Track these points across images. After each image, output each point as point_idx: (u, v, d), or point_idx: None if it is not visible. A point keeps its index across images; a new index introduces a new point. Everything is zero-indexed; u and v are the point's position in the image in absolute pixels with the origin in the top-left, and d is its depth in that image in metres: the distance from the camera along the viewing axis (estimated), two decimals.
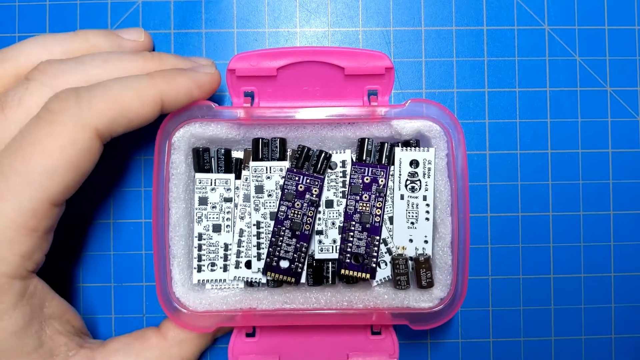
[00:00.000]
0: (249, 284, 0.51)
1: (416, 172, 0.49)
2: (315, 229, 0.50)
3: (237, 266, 0.51)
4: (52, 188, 0.42)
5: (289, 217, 0.49)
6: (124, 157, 0.54)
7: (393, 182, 0.50)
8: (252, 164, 0.50)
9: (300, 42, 0.56)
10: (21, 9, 0.55)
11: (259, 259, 0.50)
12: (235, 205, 0.51)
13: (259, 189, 0.50)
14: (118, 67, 0.46)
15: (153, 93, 0.44)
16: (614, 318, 0.55)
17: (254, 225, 0.50)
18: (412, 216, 0.50)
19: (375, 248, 0.49)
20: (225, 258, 0.51)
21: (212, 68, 0.48)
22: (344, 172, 0.50)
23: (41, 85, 0.44)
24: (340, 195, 0.50)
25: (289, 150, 0.51)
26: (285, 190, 0.49)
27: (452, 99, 0.55)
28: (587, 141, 0.55)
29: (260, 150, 0.50)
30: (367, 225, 0.49)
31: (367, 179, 0.49)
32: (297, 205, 0.49)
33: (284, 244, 0.49)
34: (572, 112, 0.55)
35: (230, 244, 0.51)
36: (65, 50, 0.48)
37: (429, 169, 0.49)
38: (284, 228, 0.49)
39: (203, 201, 0.50)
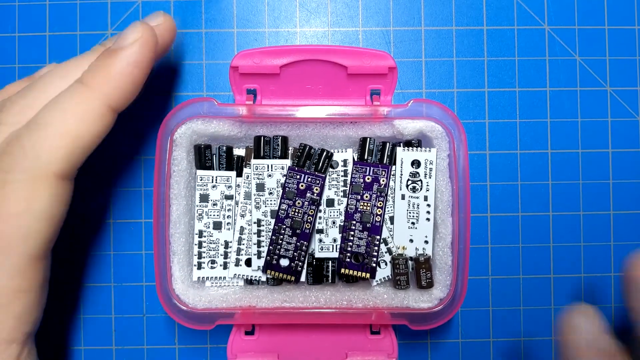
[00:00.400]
0: (249, 281, 0.51)
1: (417, 172, 0.49)
2: (316, 227, 0.50)
3: (237, 264, 0.51)
4: (30, 246, 0.40)
5: (290, 215, 0.49)
6: (124, 157, 0.54)
7: (394, 182, 0.50)
8: (253, 161, 0.50)
9: (300, 42, 0.56)
10: (21, 9, 0.55)
11: (259, 257, 0.50)
12: (236, 203, 0.51)
13: (260, 187, 0.50)
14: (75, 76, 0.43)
15: (96, 106, 0.41)
16: (613, 318, 0.56)
17: (254, 223, 0.50)
18: (413, 216, 0.50)
19: (376, 248, 0.49)
20: (226, 256, 0.51)
21: (137, 31, 0.43)
22: (345, 171, 0.50)
23: (10, 127, 0.42)
24: (341, 194, 0.50)
25: (290, 148, 0.51)
26: (287, 188, 0.49)
27: (452, 99, 0.55)
28: (587, 141, 0.55)
29: (262, 148, 0.50)
30: (368, 225, 0.49)
31: (368, 179, 0.49)
32: (298, 203, 0.49)
33: (284, 243, 0.49)
34: (572, 112, 0.55)
35: (231, 242, 0.51)
36: None
37: (431, 170, 0.49)
38: (284, 226, 0.49)
39: (204, 198, 0.50)
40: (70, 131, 0.40)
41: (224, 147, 0.51)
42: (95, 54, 0.44)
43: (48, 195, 0.40)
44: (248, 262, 0.51)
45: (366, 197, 0.49)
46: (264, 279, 0.51)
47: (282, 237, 0.49)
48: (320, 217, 0.50)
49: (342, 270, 0.49)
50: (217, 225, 0.51)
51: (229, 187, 0.50)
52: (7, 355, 0.41)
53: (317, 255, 0.51)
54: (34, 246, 0.40)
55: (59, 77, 0.43)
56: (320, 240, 0.50)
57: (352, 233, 0.49)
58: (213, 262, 0.51)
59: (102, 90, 0.41)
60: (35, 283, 0.41)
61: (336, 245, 0.50)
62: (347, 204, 0.50)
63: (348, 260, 0.49)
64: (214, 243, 0.51)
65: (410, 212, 0.50)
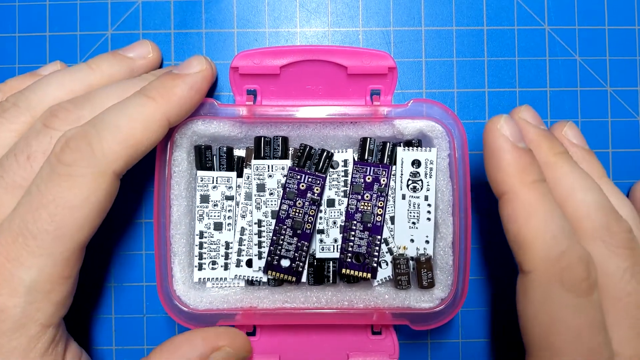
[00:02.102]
0: (250, 282, 0.51)
1: (418, 172, 0.49)
2: (317, 228, 0.50)
3: (238, 265, 0.51)
4: (81, 237, 0.42)
5: (291, 215, 0.49)
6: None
7: (395, 182, 0.50)
8: (254, 162, 0.50)
9: (301, 42, 0.56)
10: (21, 9, 0.55)
11: (260, 257, 0.50)
12: (237, 204, 0.51)
13: (261, 188, 0.50)
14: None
15: (159, 117, 0.44)
16: None
17: (255, 223, 0.50)
18: (414, 216, 0.50)
19: (377, 248, 0.49)
20: (227, 256, 0.51)
21: (202, 64, 0.48)
22: (345, 172, 0.50)
23: (59, 134, 0.44)
24: (342, 194, 0.50)
25: (291, 148, 0.51)
26: (287, 188, 0.49)
27: (452, 99, 0.55)
28: (587, 141, 0.55)
29: (262, 148, 0.50)
30: (369, 225, 0.49)
31: (368, 179, 0.49)
32: (299, 204, 0.49)
33: (285, 243, 0.49)
34: (572, 112, 0.55)
35: (232, 242, 0.51)
36: (85, 87, 0.48)
37: (431, 169, 0.49)
38: (285, 227, 0.49)
39: (204, 199, 0.50)
40: (135, 136, 0.43)
41: (225, 148, 0.51)
42: (145, 81, 0.48)
43: (105, 192, 0.42)
44: (249, 263, 0.51)
45: (367, 197, 0.49)
46: (265, 279, 0.51)
47: (282, 237, 0.49)
48: (321, 218, 0.50)
49: (343, 271, 0.49)
50: (218, 226, 0.51)
51: (230, 187, 0.51)
52: (45, 339, 0.43)
53: (318, 255, 0.51)
54: (84, 237, 0.42)
55: (117, 97, 0.46)
56: (321, 241, 0.50)
57: (352, 233, 0.49)
58: (214, 263, 0.51)
59: (166, 106, 0.45)
60: (75, 271, 0.44)
61: (337, 246, 0.50)
62: (348, 204, 0.50)
63: (349, 260, 0.49)
64: (214, 244, 0.51)
65: (411, 212, 0.50)
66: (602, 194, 0.45)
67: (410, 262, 0.50)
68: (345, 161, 0.50)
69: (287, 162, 0.50)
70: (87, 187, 0.41)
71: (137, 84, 0.47)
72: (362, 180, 0.49)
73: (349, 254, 0.49)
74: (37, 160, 0.43)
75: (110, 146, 0.42)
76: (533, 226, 0.42)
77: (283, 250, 0.49)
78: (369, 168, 0.49)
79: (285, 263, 0.49)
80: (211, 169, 0.51)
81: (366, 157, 0.50)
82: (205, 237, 0.51)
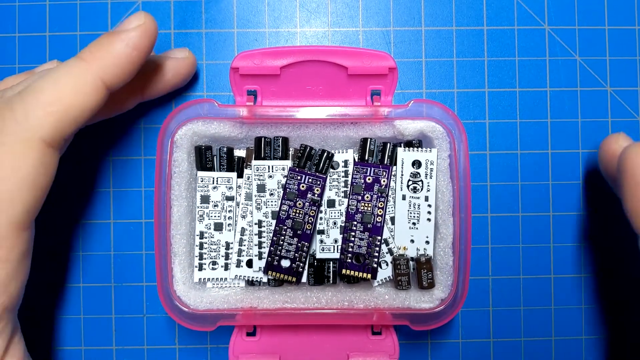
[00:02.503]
0: (250, 283, 0.51)
1: (418, 173, 0.50)
2: (317, 228, 0.50)
3: (238, 265, 0.51)
4: (14, 212, 0.40)
5: (291, 216, 0.49)
6: (124, 157, 0.54)
7: (395, 183, 0.50)
8: (254, 162, 0.50)
9: (301, 42, 0.56)
10: (21, 9, 0.55)
11: (260, 258, 0.50)
12: (237, 204, 0.51)
13: (261, 188, 0.50)
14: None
15: (90, 79, 0.42)
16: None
17: (255, 224, 0.50)
18: (414, 217, 0.50)
19: (377, 248, 0.49)
20: (227, 257, 0.51)
21: (140, 19, 0.44)
22: (346, 172, 0.50)
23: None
24: (342, 195, 0.50)
25: (291, 149, 0.51)
26: (287, 189, 0.49)
27: (452, 99, 0.55)
28: (587, 141, 0.55)
29: (263, 149, 0.50)
30: (369, 225, 0.49)
31: (369, 179, 0.49)
32: (299, 204, 0.49)
33: (285, 243, 0.49)
34: (572, 112, 0.55)
35: (232, 243, 0.51)
36: None
37: (431, 170, 0.49)
38: (285, 227, 0.49)
39: (205, 199, 0.50)
40: (62, 99, 0.40)
41: (225, 148, 0.51)
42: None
43: (34, 162, 0.40)
44: (249, 263, 0.51)
45: (367, 197, 0.49)
46: (265, 280, 0.51)
47: (283, 238, 0.49)
48: (321, 218, 0.50)
49: (343, 271, 0.49)
50: (218, 227, 0.51)
51: (230, 188, 0.50)
52: None
53: (318, 256, 0.51)
54: (17, 214, 0.40)
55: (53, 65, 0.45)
56: (321, 241, 0.50)
57: (353, 234, 0.49)
58: (214, 263, 0.51)
59: (98, 66, 0.42)
60: (14, 253, 0.41)
61: (337, 246, 0.50)
62: (348, 205, 0.50)
63: (349, 260, 0.49)
64: (215, 244, 0.51)
65: (411, 213, 0.50)
66: None
67: (411, 262, 0.50)
68: (346, 162, 0.50)
69: (288, 163, 0.50)
70: (11, 156, 0.39)
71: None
72: (363, 180, 0.49)
73: (349, 255, 0.49)
74: None
75: (33, 112, 0.40)
76: None
77: (283, 250, 0.49)
78: (369, 169, 0.49)
79: (285, 263, 0.49)
80: (211, 169, 0.51)
81: (366, 158, 0.50)
82: (206, 238, 0.51)
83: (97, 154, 0.53)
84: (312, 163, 0.50)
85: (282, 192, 0.50)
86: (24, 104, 0.40)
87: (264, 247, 0.50)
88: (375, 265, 0.49)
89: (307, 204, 0.49)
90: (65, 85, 0.41)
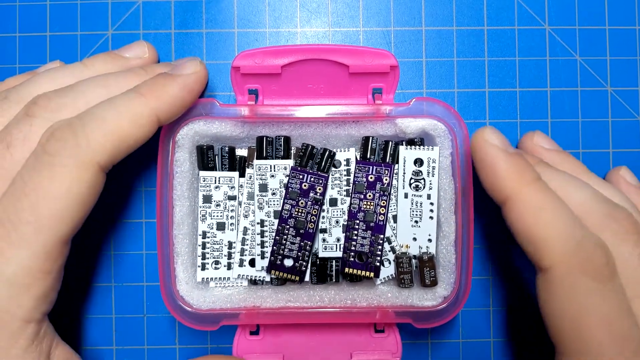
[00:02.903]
0: (253, 282, 0.51)
1: (420, 171, 0.50)
2: (319, 227, 0.50)
3: (241, 264, 0.51)
4: (62, 230, 0.42)
5: (293, 215, 0.49)
6: (126, 157, 0.54)
7: (397, 181, 0.50)
8: (256, 162, 0.50)
9: (301, 42, 0.56)
10: (21, 9, 0.55)
11: (262, 257, 0.50)
12: (239, 204, 0.51)
13: (263, 187, 0.50)
14: (116, 90, 0.46)
15: (147, 113, 0.44)
16: None
17: (257, 223, 0.50)
18: (416, 215, 0.50)
19: (379, 246, 0.49)
20: (229, 256, 0.51)
21: (196, 66, 0.48)
22: (348, 171, 0.50)
23: (45, 121, 0.44)
24: (345, 193, 0.50)
25: (293, 148, 0.51)
26: (290, 188, 0.49)
27: (452, 99, 0.55)
28: (588, 141, 0.55)
29: (265, 148, 0.50)
30: (371, 224, 0.49)
31: (371, 178, 0.49)
32: (301, 203, 0.49)
33: (288, 243, 0.49)
34: (572, 112, 0.56)
35: (234, 242, 0.51)
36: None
37: (433, 168, 0.49)
38: (288, 226, 0.49)
39: (207, 199, 0.50)
40: (122, 129, 0.43)
41: (227, 148, 0.51)
42: (132, 73, 0.49)
43: (87, 184, 0.42)
44: (252, 263, 0.51)
45: (369, 196, 0.49)
46: (268, 279, 0.51)
47: (285, 237, 0.49)
48: (323, 217, 0.50)
49: (346, 270, 0.49)
50: (221, 226, 0.51)
51: (232, 187, 0.50)
52: (27, 335, 0.42)
53: (321, 254, 0.51)
54: (65, 230, 0.42)
55: (100, 86, 0.47)
56: (324, 240, 0.50)
57: (355, 232, 0.49)
58: (217, 262, 0.51)
59: (156, 103, 0.45)
60: (57, 266, 0.43)
61: (340, 245, 0.50)
62: (350, 203, 0.50)
63: (352, 259, 0.49)
64: (217, 244, 0.51)
65: (413, 211, 0.50)
66: (593, 188, 0.46)
67: (413, 260, 0.50)
68: (348, 160, 0.50)
69: (290, 162, 0.50)
70: (69, 177, 0.41)
71: (122, 75, 0.48)
72: (365, 179, 0.50)
73: (352, 253, 0.49)
74: (17, 148, 0.43)
75: (94, 137, 0.42)
76: (544, 222, 0.42)
77: (286, 249, 0.49)
78: (371, 167, 0.50)
79: (288, 262, 0.49)
80: (213, 169, 0.51)
81: (368, 156, 0.50)
82: (208, 237, 0.51)
83: None
84: (314, 162, 0.50)
85: (284, 191, 0.50)
86: (86, 130, 0.42)
87: (267, 247, 0.50)
88: (377, 264, 0.49)
89: (309, 203, 0.49)
90: (125, 116, 0.43)
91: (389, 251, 0.50)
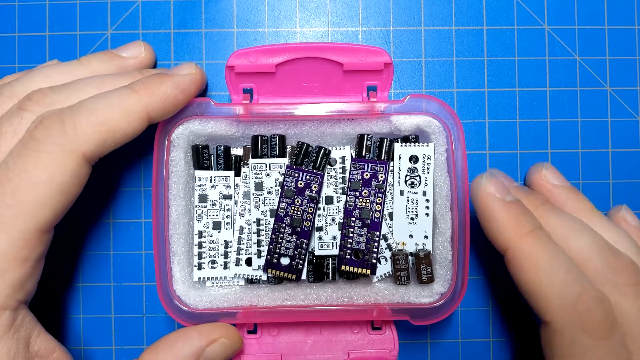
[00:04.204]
0: (250, 281, 0.51)
1: (416, 168, 0.49)
2: (315, 225, 0.50)
3: (237, 263, 0.51)
4: (42, 217, 0.42)
5: (289, 214, 0.49)
6: (122, 157, 0.54)
7: (392, 178, 0.50)
8: (251, 161, 0.50)
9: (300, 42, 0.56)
10: (21, 9, 0.55)
11: (259, 256, 0.50)
12: (235, 203, 0.51)
13: (259, 186, 0.50)
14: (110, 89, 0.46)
15: (138, 109, 0.45)
16: None
17: (253, 222, 0.50)
18: (412, 212, 0.50)
19: (376, 244, 0.49)
20: (226, 255, 0.51)
21: (192, 68, 0.49)
22: (343, 169, 0.50)
23: (36, 116, 0.44)
24: (340, 191, 0.50)
25: (288, 146, 0.51)
26: (285, 187, 0.49)
27: (452, 99, 0.55)
28: (587, 141, 0.55)
29: (260, 147, 0.50)
30: (367, 221, 0.49)
31: (366, 175, 0.49)
32: (297, 202, 0.49)
33: (284, 241, 0.49)
34: (572, 112, 0.55)
35: (231, 242, 0.51)
36: (71, 80, 0.48)
37: (429, 165, 0.49)
38: (284, 225, 0.49)
39: (203, 199, 0.50)
40: (110, 121, 0.43)
41: (222, 147, 0.51)
42: (129, 76, 0.49)
43: (70, 172, 0.42)
44: (248, 262, 0.51)
45: (365, 193, 0.49)
46: (264, 278, 0.51)
47: (282, 235, 0.49)
48: (319, 215, 0.50)
49: (343, 267, 0.49)
50: (217, 225, 0.51)
51: (228, 187, 0.51)
52: (1, 322, 0.41)
53: (317, 252, 0.51)
54: (45, 218, 0.42)
55: (95, 87, 0.47)
56: (320, 238, 0.50)
57: (351, 230, 0.49)
58: (213, 262, 0.51)
59: (148, 100, 0.45)
60: (35, 254, 0.42)
61: (336, 243, 0.50)
62: (346, 201, 0.50)
63: (348, 257, 0.49)
64: (213, 243, 0.51)
65: (409, 208, 0.50)
66: (596, 233, 0.46)
67: (410, 257, 0.50)
68: (343, 158, 0.50)
69: (285, 160, 0.50)
70: (53, 164, 0.41)
71: (118, 76, 0.48)
72: (360, 176, 0.50)
73: (348, 251, 0.49)
74: (7, 140, 0.44)
75: (82, 127, 0.42)
76: (542, 276, 0.43)
77: (282, 248, 0.49)
78: (366, 164, 0.50)
79: (284, 261, 0.49)
80: (209, 168, 0.51)
81: (364, 154, 0.50)
82: (204, 237, 0.51)
83: None
84: (309, 160, 0.50)
85: (280, 190, 0.50)
86: (74, 119, 0.43)
87: (263, 245, 0.50)
88: (374, 261, 0.49)
89: (305, 201, 0.49)
90: (116, 109, 0.44)
91: (386, 248, 0.50)
